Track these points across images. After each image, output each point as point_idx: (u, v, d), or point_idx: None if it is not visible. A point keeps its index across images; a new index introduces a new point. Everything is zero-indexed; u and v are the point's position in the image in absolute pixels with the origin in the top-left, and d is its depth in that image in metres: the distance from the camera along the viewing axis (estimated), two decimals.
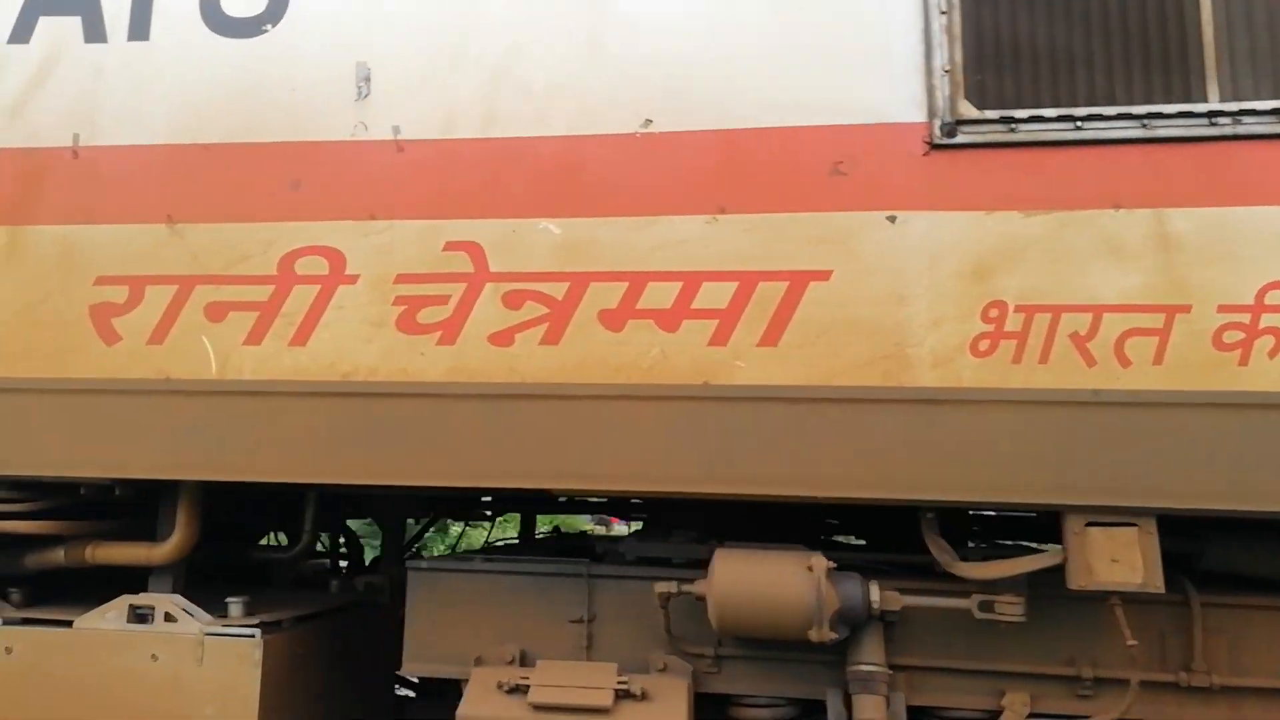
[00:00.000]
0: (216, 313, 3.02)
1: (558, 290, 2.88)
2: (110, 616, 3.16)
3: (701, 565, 3.04)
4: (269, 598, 3.59)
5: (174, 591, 3.29)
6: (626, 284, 2.83)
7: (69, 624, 3.14)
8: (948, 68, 2.83)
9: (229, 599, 3.24)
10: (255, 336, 2.99)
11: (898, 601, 2.82)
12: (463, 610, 3.15)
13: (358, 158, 3.04)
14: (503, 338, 2.88)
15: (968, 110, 2.81)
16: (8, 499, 3.16)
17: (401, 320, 2.93)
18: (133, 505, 3.35)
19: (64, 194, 3.16)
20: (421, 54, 3.07)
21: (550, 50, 3.01)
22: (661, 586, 2.90)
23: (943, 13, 2.87)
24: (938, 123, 2.79)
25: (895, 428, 2.66)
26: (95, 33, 3.25)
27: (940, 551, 2.84)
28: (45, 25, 3.28)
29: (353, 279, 2.98)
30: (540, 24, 3.03)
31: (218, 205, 3.08)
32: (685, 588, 2.89)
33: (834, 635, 2.74)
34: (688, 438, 2.73)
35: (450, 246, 2.95)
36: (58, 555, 3.26)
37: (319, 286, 2.99)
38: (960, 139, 2.79)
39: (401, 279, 2.95)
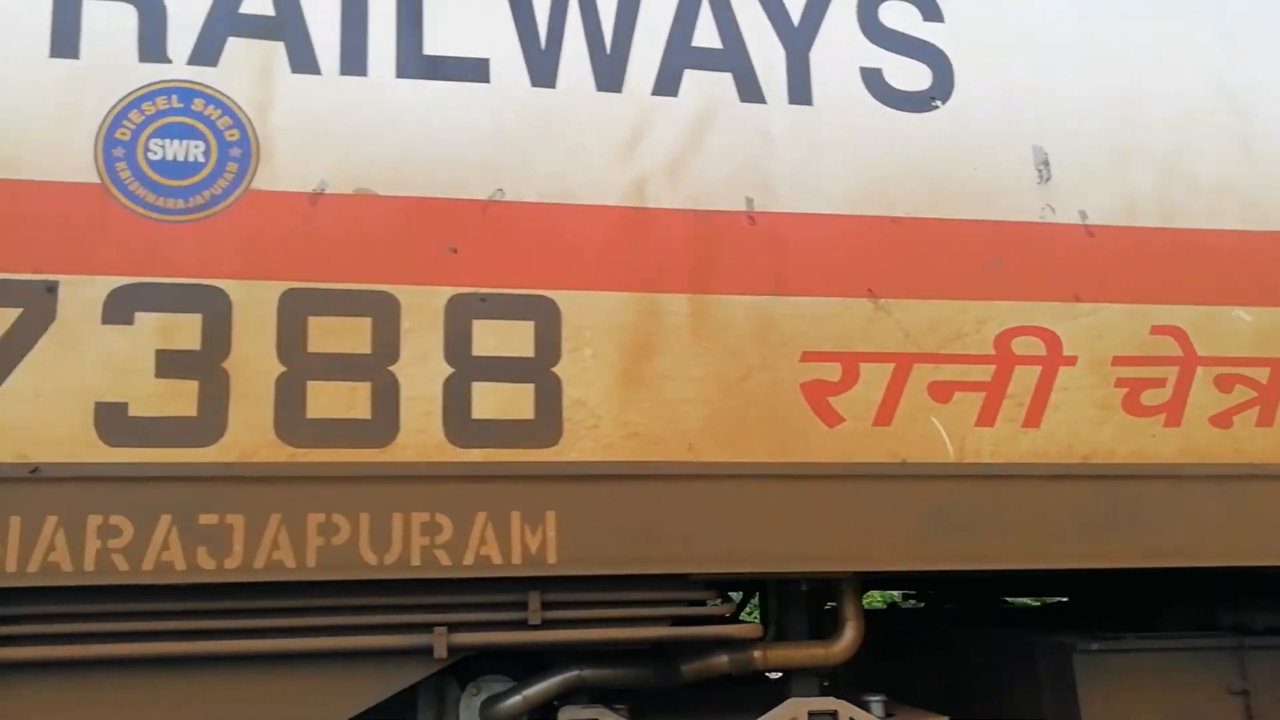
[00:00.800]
0: (941, 392, 2.89)
1: (1260, 374, 3.07)
2: None
3: None
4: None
5: (822, 692, 3.02)
6: None
7: None
8: None
9: (868, 696, 3.04)
10: (986, 418, 2.90)
11: None
12: (1132, 692, 3.17)
13: (1050, 239, 3.07)
14: (1222, 419, 3.02)
15: None
16: (695, 600, 2.78)
17: (1126, 402, 2.98)
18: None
19: (746, 262, 2.90)
20: (1094, 142, 3.17)
21: (1210, 151, 3.23)
22: None
23: None
24: None
25: None
26: (751, 92, 3.03)
27: None
28: (693, 79, 3.01)
29: (1071, 360, 2.99)
30: (1199, 126, 3.24)
31: (919, 281, 2.96)
32: None
33: None
34: None
35: (1156, 330, 3.05)
36: (721, 662, 2.89)
37: (1040, 367, 2.96)
38: None
39: (1119, 361, 3.00)
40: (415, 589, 2.63)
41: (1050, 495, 2.89)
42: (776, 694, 3.03)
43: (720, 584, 2.87)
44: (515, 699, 2.82)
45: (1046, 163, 3.12)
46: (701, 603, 2.79)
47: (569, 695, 2.87)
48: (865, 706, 3.00)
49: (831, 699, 2.92)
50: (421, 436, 2.65)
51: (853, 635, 2.98)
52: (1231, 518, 2.96)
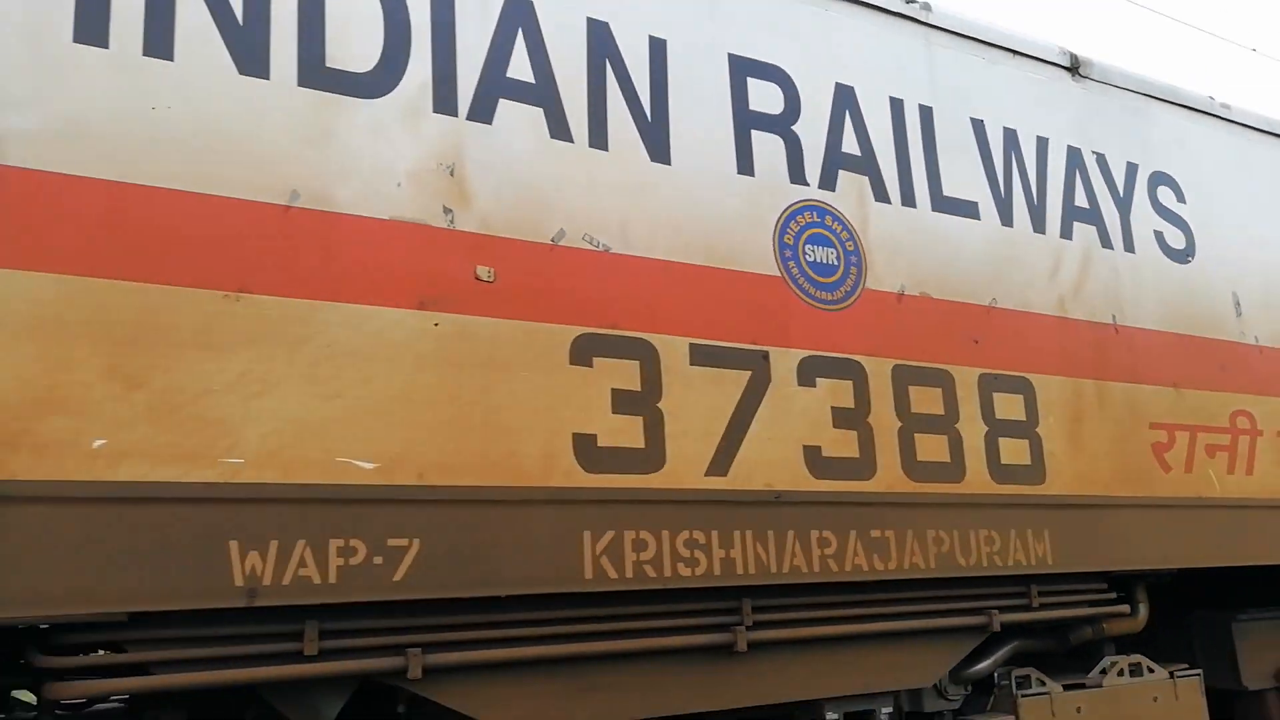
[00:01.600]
0: (1210, 451, 4.48)
1: None
2: (1113, 673, 4.25)
3: None
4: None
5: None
6: None
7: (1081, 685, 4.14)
8: None
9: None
10: (1230, 467, 4.53)
11: None
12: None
13: (1244, 353, 4.78)
14: None
15: None
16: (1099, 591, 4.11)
17: None
18: None
19: (1116, 359, 4.29)
20: (1261, 289, 4.93)
21: None
22: None
23: None
24: None
25: None
26: (1106, 242, 4.43)
27: None
28: (1081, 232, 4.35)
29: (1260, 432, 4.70)
30: None
31: (1193, 376, 4.53)
32: None
33: None
34: None
35: None
36: (1088, 632, 4.23)
37: (1249, 436, 4.65)
38: None
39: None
40: (970, 584, 3.72)
41: (1267, 519, 4.57)
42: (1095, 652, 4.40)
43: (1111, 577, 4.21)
44: (986, 662, 3.97)
45: (1239, 303, 4.84)
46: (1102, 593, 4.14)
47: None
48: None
49: (1135, 656, 4.38)
50: (973, 474, 3.75)
51: (1145, 612, 4.46)
52: None
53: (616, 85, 3.32)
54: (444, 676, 2.74)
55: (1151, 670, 4.37)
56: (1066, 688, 4.09)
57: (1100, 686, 4.18)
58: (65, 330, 2.37)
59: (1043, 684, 4.03)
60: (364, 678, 2.71)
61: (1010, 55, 4.39)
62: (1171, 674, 4.41)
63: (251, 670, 2.52)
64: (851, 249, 3.68)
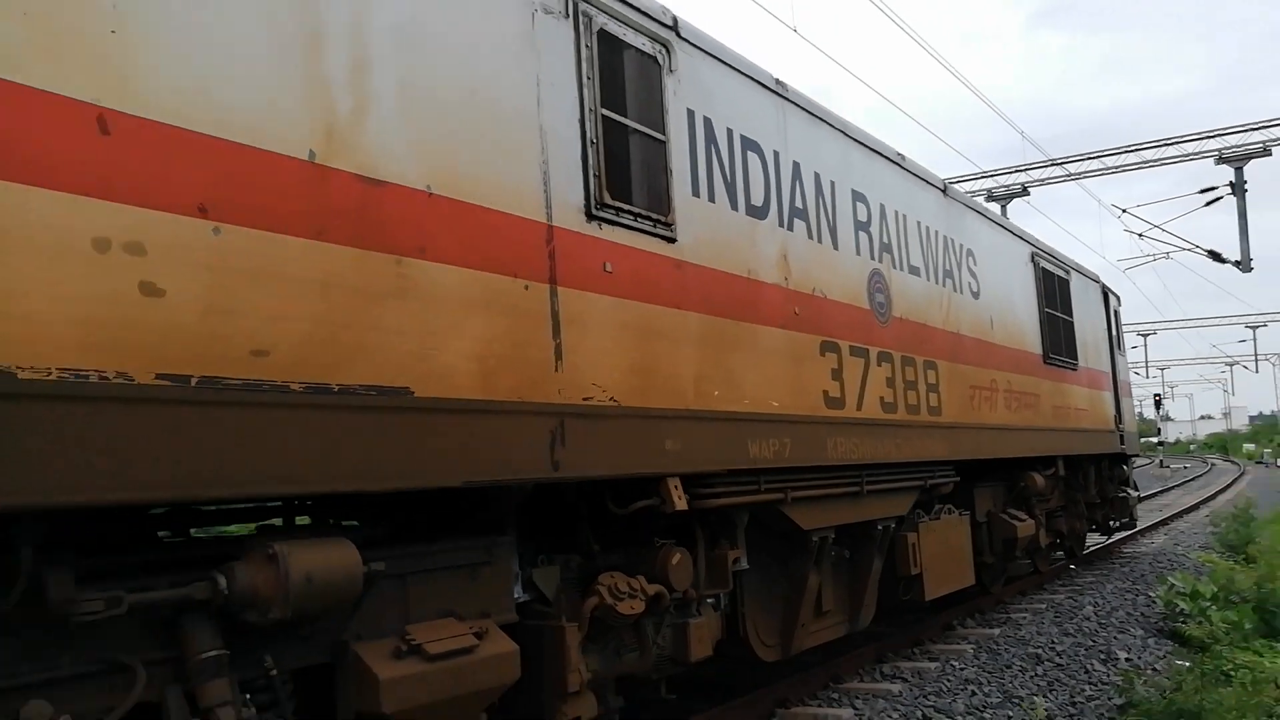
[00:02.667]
0: None
1: None
2: (943, 512, 8.32)
3: None
4: None
5: None
6: None
7: None
8: None
9: None
10: None
11: None
12: None
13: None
14: None
15: None
16: None
17: None
18: None
19: (960, 353, 8.24)
20: None
21: None
22: None
23: None
24: None
25: None
26: (956, 288, 8.35)
27: None
28: (946, 283, 8.21)
29: None
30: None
31: (979, 360, 8.68)
32: None
33: None
34: None
35: None
36: None
37: None
38: None
39: None
40: (913, 466, 7.48)
41: (991, 436, 8.90)
42: None
43: None
44: (907, 509, 7.78)
45: (992, 322, 9.10)
46: None
47: None
48: None
49: (950, 505, 8.51)
50: (923, 411, 7.46)
51: (954, 484, 8.58)
52: None
53: (826, 211, 6.44)
54: (794, 504, 5.82)
55: (953, 512, 8.51)
56: (928, 520, 8.05)
57: (938, 519, 8.20)
58: None
59: (922, 518, 7.94)
60: (766, 504, 5.68)
61: (922, 183, 8.09)
62: (959, 514, 8.60)
63: (754, 497, 5.41)
64: (883, 300, 7.15)
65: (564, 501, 4.75)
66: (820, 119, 6.57)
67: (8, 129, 2.51)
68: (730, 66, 5.64)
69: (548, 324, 4.11)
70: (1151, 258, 32.25)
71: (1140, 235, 29.13)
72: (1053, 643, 8.55)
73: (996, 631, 9.01)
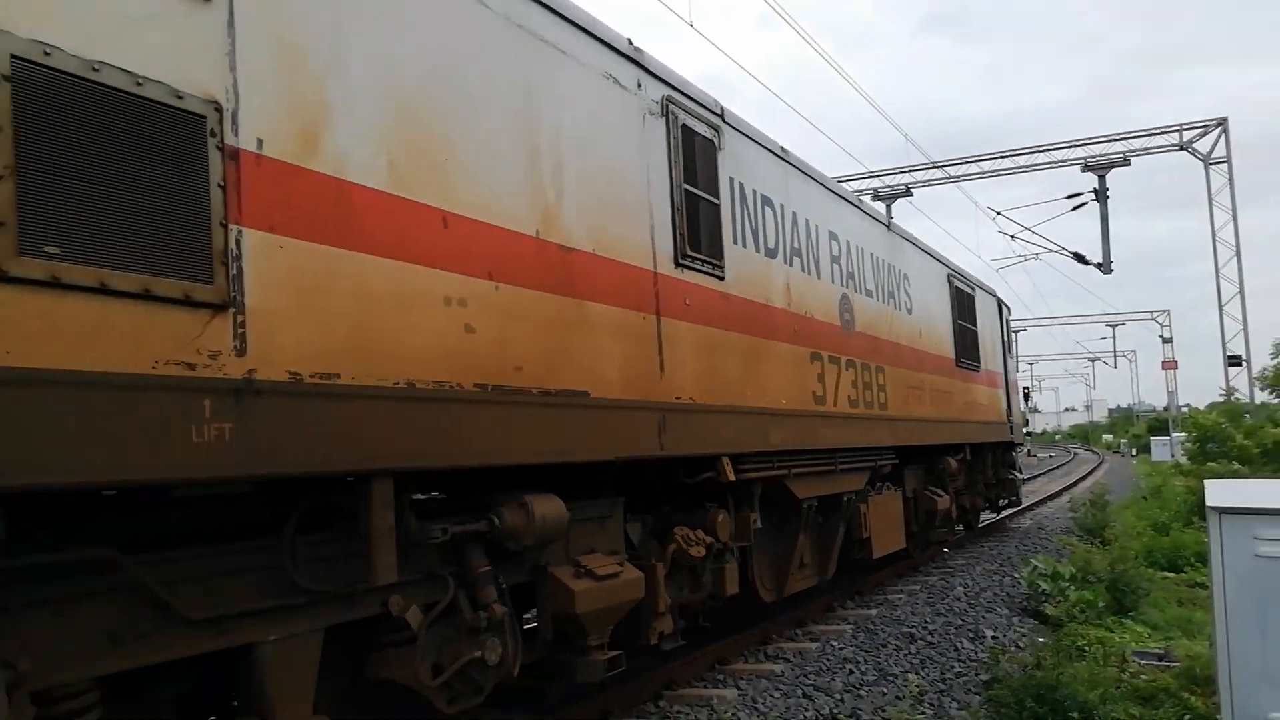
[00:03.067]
0: None
1: None
2: (882, 489, 10.22)
3: None
4: None
5: None
6: None
7: None
8: None
9: None
10: None
11: None
12: None
13: None
14: None
15: None
16: None
17: None
18: None
19: (901, 359, 10.14)
20: None
21: None
22: None
23: None
24: None
25: None
26: (896, 306, 10.25)
27: None
28: (889, 302, 10.10)
29: None
30: None
31: (913, 365, 10.62)
32: None
33: None
34: None
35: None
36: None
37: None
38: None
39: None
40: (867, 451, 9.35)
41: (923, 428, 10.87)
42: None
43: None
44: (865, 485, 9.63)
45: (921, 333, 11.05)
46: None
47: None
48: None
49: (888, 482, 10.42)
50: (877, 406, 9.32)
51: (894, 464, 10.50)
52: None
53: (813, 248, 8.19)
54: (794, 479, 7.54)
55: (891, 489, 10.43)
56: (874, 494, 9.93)
57: (881, 494, 10.08)
58: None
59: (871, 493, 9.80)
60: (775, 479, 7.36)
61: (873, 220, 9.94)
62: (895, 490, 10.52)
63: (769, 473, 7.11)
64: (849, 318, 8.95)
65: (640, 473, 6.33)
66: (809, 175, 8.32)
67: (405, 228, 3.97)
68: (753, 140, 7.31)
69: (655, 344, 5.70)
70: (1022, 258, 33.77)
71: (1013, 237, 30.80)
72: (925, 622, 8.99)
73: (874, 612, 9.54)
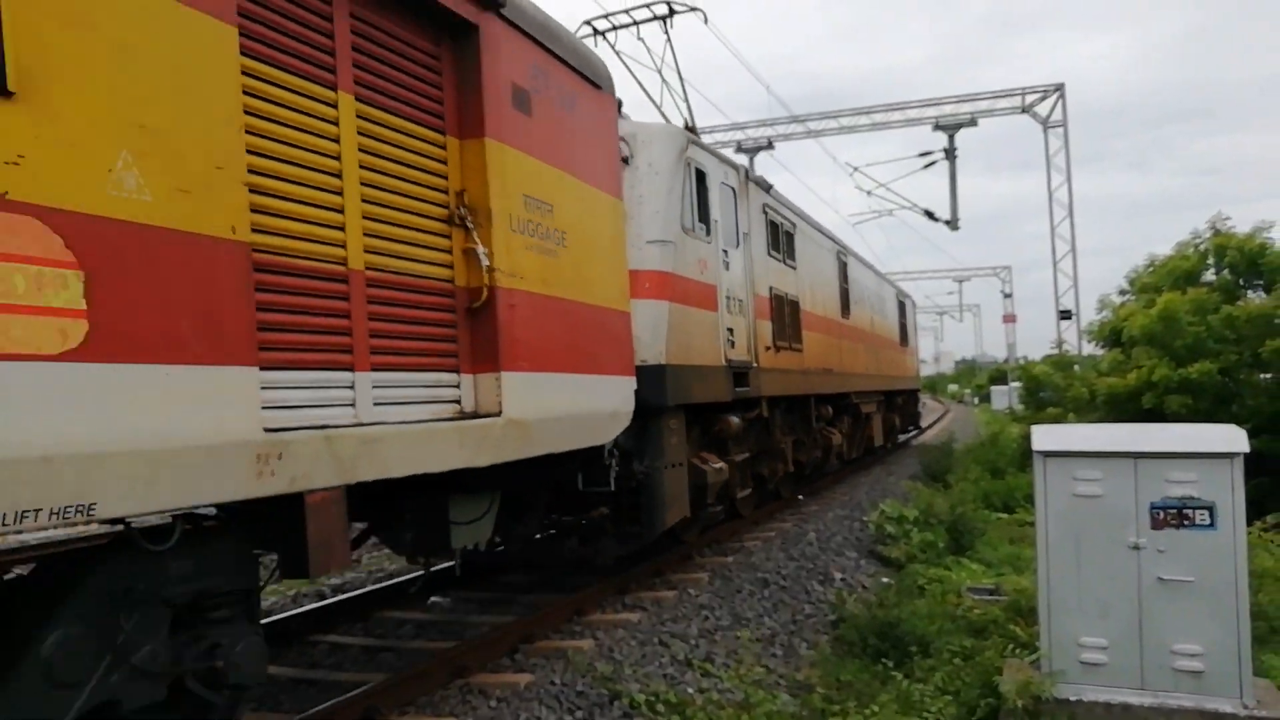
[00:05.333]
0: None
1: None
2: None
3: None
4: None
5: None
6: None
7: None
8: None
9: None
10: None
11: None
12: None
13: None
14: None
15: None
16: None
17: None
18: None
19: (884, 359, 17.99)
20: None
21: None
22: None
23: None
24: None
25: None
26: (879, 314, 18.04)
27: None
28: (876, 311, 17.89)
29: None
30: None
31: (896, 366, 18.50)
32: None
33: None
34: None
35: None
36: None
37: None
38: None
39: None
40: None
41: None
42: None
43: None
44: None
45: (900, 337, 18.91)
46: None
47: None
48: None
49: None
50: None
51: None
52: None
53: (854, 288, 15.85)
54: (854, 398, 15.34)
55: (878, 413, 18.30)
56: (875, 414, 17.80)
57: (878, 413, 17.98)
58: None
59: (876, 412, 17.60)
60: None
61: (874, 272, 17.67)
62: (880, 414, 18.43)
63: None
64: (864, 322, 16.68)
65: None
66: (853, 254, 16.27)
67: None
68: (862, 262, 15.12)
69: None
70: (877, 214, 33.82)
71: (869, 193, 31.03)
72: (779, 567, 8.91)
73: (730, 559, 9.18)
